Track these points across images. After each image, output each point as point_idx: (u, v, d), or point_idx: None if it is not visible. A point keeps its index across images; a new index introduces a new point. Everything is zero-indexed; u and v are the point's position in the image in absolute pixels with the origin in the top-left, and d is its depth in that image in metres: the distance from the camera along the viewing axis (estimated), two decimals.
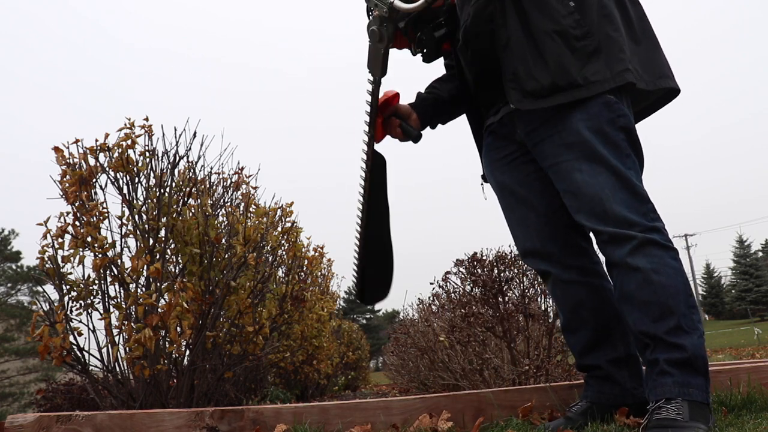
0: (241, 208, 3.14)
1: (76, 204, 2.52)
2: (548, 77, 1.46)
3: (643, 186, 1.47)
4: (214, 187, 3.03)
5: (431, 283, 3.49)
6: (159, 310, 2.42)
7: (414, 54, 1.70)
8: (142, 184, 2.64)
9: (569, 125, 1.47)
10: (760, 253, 38.63)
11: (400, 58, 1.81)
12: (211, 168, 2.98)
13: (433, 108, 1.79)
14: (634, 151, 1.49)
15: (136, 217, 2.57)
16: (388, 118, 1.74)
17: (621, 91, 1.49)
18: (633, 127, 1.50)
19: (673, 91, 1.63)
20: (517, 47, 1.50)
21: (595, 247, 1.57)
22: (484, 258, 2.96)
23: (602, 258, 1.52)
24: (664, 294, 1.37)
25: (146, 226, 2.55)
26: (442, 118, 1.83)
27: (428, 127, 1.82)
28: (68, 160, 2.61)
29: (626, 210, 1.41)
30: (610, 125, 1.46)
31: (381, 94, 1.70)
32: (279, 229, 3.40)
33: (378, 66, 1.60)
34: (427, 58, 1.68)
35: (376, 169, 1.75)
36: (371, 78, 1.65)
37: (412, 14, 1.54)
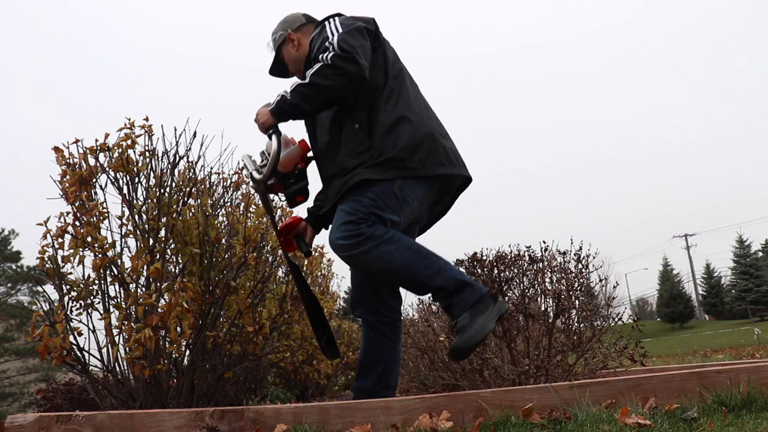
0: (241, 208, 3.14)
1: (76, 204, 2.52)
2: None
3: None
4: (214, 187, 3.03)
5: None
6: (159, 310, 2.42)
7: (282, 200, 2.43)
8: (142, 184, 2.64)
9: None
10: (760, 253, 38.59)
11: None
12: (211, 168, 2.98)
13: (320, 217, 2.32)
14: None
15: (136, 217, 2.57)
16: (291, 237, 2.38)
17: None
18: (405, 201, 2.09)
19: (468, 180, 2.27)
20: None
21: None
22: (484, 258, 2.96)
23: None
24: (396, 274, 2.02)
25: (146, 226, 2.55)
26: (330, 221, 2.26)
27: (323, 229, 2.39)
28: (68, 160, 2.61)
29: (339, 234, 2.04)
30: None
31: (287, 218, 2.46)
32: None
33: (266, 206, 2.37)
34: (290, 206, 2.30)
35: (295, 274, 2.37)
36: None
37: (270, 177, 2.18)
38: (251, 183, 2.32)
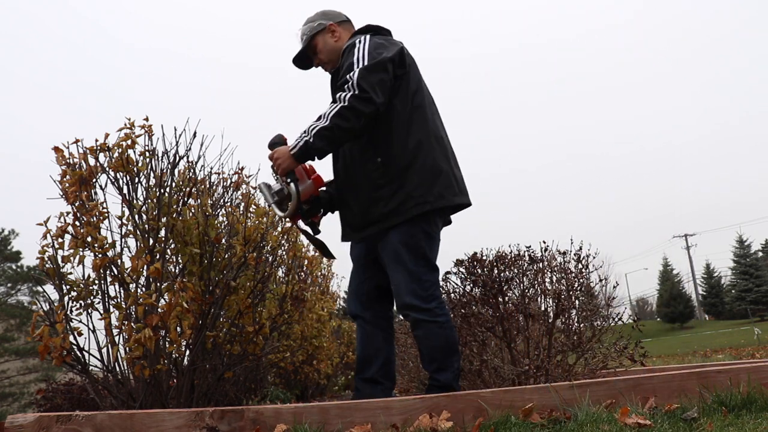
0: (241, 208, 3.14)
1: (76, 204, 2.52)
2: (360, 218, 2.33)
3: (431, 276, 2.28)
4: (214, 187, 3.03)
5: None
6: (159, 310, 2.42)
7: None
8: (142, 184, 2.64)
9: (387, 239, 2.28)
10: (760, 253, 38.56)
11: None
12: (211, 168, 2.98)
13: (328, 203, 2.47)
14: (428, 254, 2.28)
15: (136, 217, 2.57)
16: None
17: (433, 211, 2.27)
18: (432, 238, 2.29)
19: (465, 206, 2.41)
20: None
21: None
22: (484, 258, 2.96)
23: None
24: (430, 349, 2.25)
25: (146, 226, 2.55)
26: (333, 209, 2.50)
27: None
28: (68, 160, 2.61)
29: (411, 298, 2.23)
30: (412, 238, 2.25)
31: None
32: (279, 229, 3.39)
33: (305, 234, 2.49)
34: (312, 231, 2.43)
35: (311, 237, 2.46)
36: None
37: (293, 213, 2.33)
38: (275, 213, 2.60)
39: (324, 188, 2.42)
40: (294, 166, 2.26)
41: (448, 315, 2.28)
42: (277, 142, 2.32)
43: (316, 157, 2.25)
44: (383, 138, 2.24)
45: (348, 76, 2.18)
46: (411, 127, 2.25)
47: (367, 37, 2.29)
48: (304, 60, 2.52)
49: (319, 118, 2.19)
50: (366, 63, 2.18)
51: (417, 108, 2.29)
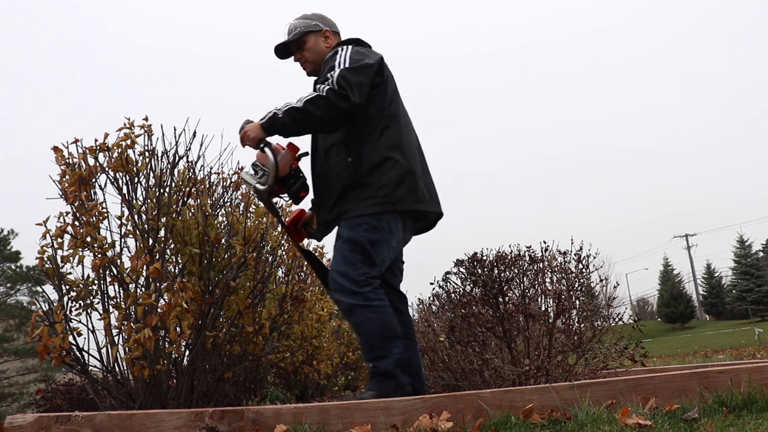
0: (241, 208, 3.14)
1: (76, 204, 2.52)
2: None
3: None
4: (214, 187, 3.03)
5: (431, 283, 3.48)
6: (158, 310, 2.41)
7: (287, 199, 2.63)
8: (141, 184, 2.63)
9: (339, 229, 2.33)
10: (761, 254, 38.53)
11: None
12: (211, 168, 2.98)
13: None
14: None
15: (136, 217, 2.57)
16: (300, 227, 2.53)
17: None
18: (380, 235, 2.26)
19: (440, 216, 2.45)
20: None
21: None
22: (484, 258, 2.96)
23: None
24: (367, 336, 2.20)
25: (146, 226, 2.55)
26: None
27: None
28: (68, 160, 2.61)
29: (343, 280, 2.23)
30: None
31: (291, 215, 2.58)
32: (279, 228, 3.39)
33: (272, 211, 2.48)
34: (295, 203, 2.43)
35: (309, 259, 2.49)
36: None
37: (273, 185, 2.30)
38: (256, 195, 2.46)
39: (301, 152, 2.40)
40: (263, 135, 2.26)
41: (384, 300, 2.23)
42: (247, 123, 2.36)
43: (280, 134, 2.27)
44: (356, 140, 2.30)
45: (329, 74, 2.23)
46: (384, 132, 2.31)
47: (350, 46, 2.37)
48: (285, 51, 2.57)
49: (297, 100, 2.25)
50: (347, 65, 2.25)
51: (391, 116, 2.35)
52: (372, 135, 2.30)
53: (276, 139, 2.33)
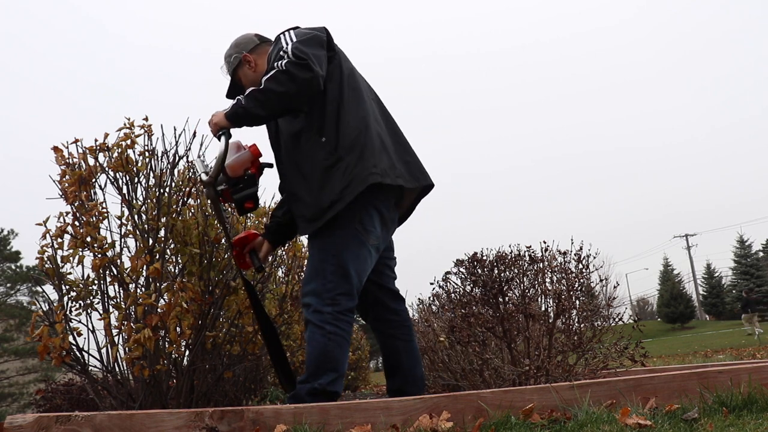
0: None
1: (76, 204, 2.52)
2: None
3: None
4: None
5: (431, 284, 3.49)
6: (158, 310, 2.41)
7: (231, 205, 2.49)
8: (141, 184, 2.63)
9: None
10: (761, 254, 38.53)
11: None
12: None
13: (276, 233, 2.43)
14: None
15: (136, 217, 2.57)
16: (246, 251, 2.38)
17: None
18: (362, 243, 2.15)
19: (429, 187, 2.34)
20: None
21: None
22: (484, 258, 2.96)
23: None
24: (308, 353, 2.10)
25: (146, 226, 2.55)
26: (287, 236, 2.48)
27: (281, 246, 2.63)
28: (68, 160, 2.60)
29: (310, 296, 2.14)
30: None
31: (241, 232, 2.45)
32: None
33: (218, 214, 2.36)
34: (239, 213, 2.26)
35: (250, 294, 2.38)
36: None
37: (218, 180, 2.16)
38: (203, 189, 2.30)
39: (262, 162, 2.24)
40: (225, 123, 2.14)
41: (341, 327, 2.10)
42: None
43: (245, 121, 2.14)
44: (323, 119, 2.16)
45: (281, 53, 2.10)
46: (349, 106, 2.18)
47: (289, 30, 2.24)
48: (237, 93, 2.40)
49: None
50: (296, 39, 2.13)
51: (353, 90, 2.22)
52: (339, 112, 2.16)
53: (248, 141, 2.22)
